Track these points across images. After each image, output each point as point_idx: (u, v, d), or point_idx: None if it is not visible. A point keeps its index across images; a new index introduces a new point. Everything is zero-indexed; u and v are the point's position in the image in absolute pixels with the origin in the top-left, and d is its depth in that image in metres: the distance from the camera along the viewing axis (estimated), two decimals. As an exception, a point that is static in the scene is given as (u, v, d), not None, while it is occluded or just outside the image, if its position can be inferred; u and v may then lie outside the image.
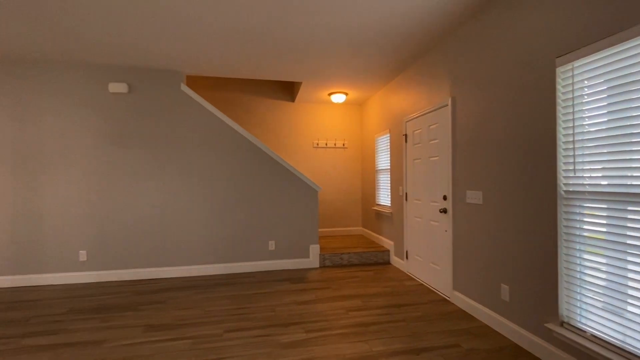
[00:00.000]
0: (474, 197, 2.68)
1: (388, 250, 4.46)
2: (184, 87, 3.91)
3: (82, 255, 3.69)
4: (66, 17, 2.62)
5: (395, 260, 4.29)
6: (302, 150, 5.56)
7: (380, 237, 4.85)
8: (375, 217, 5.06)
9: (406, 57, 3.55)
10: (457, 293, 2.94)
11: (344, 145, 5.72)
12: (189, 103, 3.93)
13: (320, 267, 4.26)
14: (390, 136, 4.46)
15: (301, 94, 4.98)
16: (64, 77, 3.66)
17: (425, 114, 3.47)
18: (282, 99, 5.44)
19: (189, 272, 3.93)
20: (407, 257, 3.93)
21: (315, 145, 5.60)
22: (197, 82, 5.11)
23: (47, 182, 3.63)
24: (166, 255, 3.89)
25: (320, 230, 5.64)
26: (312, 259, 4.24)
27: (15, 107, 3.57)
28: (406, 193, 3.92)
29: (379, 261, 4.44)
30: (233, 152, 4.04)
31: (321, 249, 4.56)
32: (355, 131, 5.79)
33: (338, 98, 4.96)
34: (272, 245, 4.15)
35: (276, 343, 2.28)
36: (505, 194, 2.35)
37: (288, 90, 5.48)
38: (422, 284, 3.53)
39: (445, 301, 3.04)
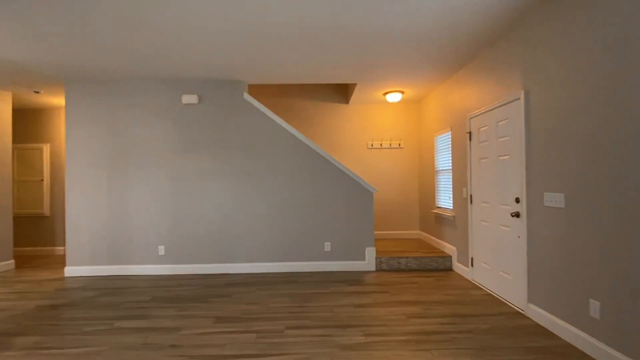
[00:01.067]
0: (554, 199, 2.39)
1: (450, 256, 4.20)
2: (247, 96, 4.16)
3: (161, 250, 4.14)
4: (148, 45, 2.98)
5: (458, 266, 4.03)
6: (356, 152, 5.53)
7: (441, 241, 4.60)
8: (435, 221, 4.82)
9: (470, 49, 3.32)
10: (532, 306, 2.66)
11: (399, 145, 5.55)
12: (251, 110, 4.18)
13: (376, 270, 4.18)
14: (451, 134, 4.21)
15: (355, 95, 4.97)
16: (146, 92, 4.15)
17: (492, 109, 3.20)
18: (336, 102, 5.48)
19: (252, 269, 4.16)
20: (472, 264, 3.67)
21: (370, 146, 5.53)
22: (258, 91, 5.40)
23: (132, 184, 4.14)
24: (231, 252, 4.17)
25: (375, 232, 5.55)
26: (368, 262, 4.18)
27: (109, 120, 4.15)
28: (471, 195, 3.66)
29: (439, 267, 4.21)
30: (291, 156, 4.18)
31: (377, 252, 4.48)
32: (411, 130, 5.58)
33: (394, 97, 4.84)
34: (327, 246, 4.19)
35: (335, 344, 2.30)
36: (593, 196, 2.06)
37: (342, 92, 5.51)
38: (490, 294, 3.26)
39: (518, 314, 2.77)
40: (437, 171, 4.79)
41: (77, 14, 2.51)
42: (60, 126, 5.51)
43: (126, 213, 4.14)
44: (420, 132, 5.47)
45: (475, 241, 3.60)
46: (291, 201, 4.18)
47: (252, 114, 4.18)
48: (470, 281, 3.68)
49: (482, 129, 3.42)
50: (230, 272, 4.16)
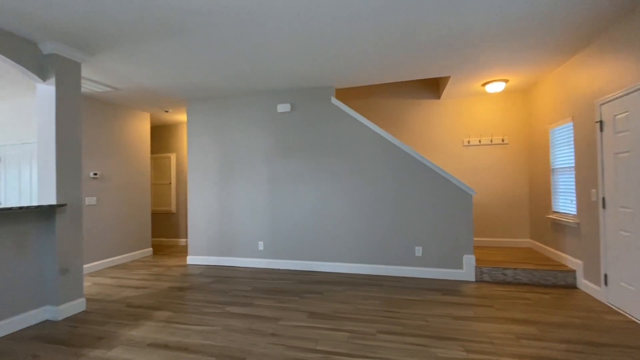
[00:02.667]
0: None
1: (573, 271, 3.52)
2: (334, 100, 4.28)
3: (261, 245, 4.57)
4: (250, 63, 3.33)
5: (585, 284, 3.35)
6: (449, 150, 5.12)
7: (560, 253, 3.89)
8: (552, 228, 4.10)
9: (600, 20, 2.73)
10: None
11: (503, 140, 4.92)
12: (338, 114, 4.28)
13: (476, 281, 3.78)
14: (573, 125, 3.53)
15: (448, 89, 4.61)
16: (247, 105, 4.65)
17: (633, 91, 2.56)
18: (425, 98, 5.18)
19: (340, 269, 4.24)
20: (605, 283, 2.99)
21: (466, 143, 5.04)
22: (343, 93, 5.50)
23: (236, 186, 4.69)
24: (319, 251, 4.33)
25: (474, 239, 5.03)
26: (466, 271, 3.81)
27: (219, 131, 4.79)
28: (603, 198, 3.00)
29: (558, 283, 3.56)
30: (379, 157, 4.13)
31: (477, 260, 4.04)
32: (517, 123, 4.88)
33: (495, 87, 4.31)
34: (419, 251, 3.98)
35: (432, 355, 2.15)
36: None
37: (432, 87, 5.17)
38: (634, 321, 2.59)
39: (683, 353, 2.13)
40: (553, 170, 4.07)
41: (198, 47, 2.98)
42: (183, 138, 6.61)
43: (232, 211, 4.70)
44: (530, 125, 4.74)
45: (610, 255, 2.93)
46: (379, 203, 4.12)
47: (340, 117, 4.27)
48: (603, 303, 3.00)
49: (619, 116, 2.77)
50: (318, 270, 4.32)
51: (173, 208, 6.59)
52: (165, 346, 2.35)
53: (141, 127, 5.48)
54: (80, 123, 3.13)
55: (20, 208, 2.57)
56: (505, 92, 4.85)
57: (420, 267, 3.98)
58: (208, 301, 3.25)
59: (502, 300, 3.15)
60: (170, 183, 6.63)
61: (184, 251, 5.86)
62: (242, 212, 4.66)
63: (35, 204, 3.42)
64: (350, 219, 4.22)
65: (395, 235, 4.07)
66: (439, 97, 5.11)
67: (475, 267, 3.80)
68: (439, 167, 3.94)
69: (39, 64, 2.92)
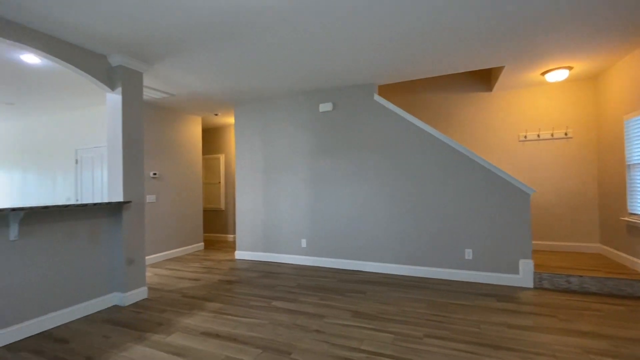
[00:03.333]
0: None
1: (655, 281, 3.08)
2: (377, 97, 4.20)
3: (303, 242, 4.65)
4: (295, 63, 3.40)
5: (671, 297, 2.91)
6: (503, 146, 4.76)
7: (638, 260, 3.42)
8: (628, 232, 3.62)
9: (692, -7, 2.35)
10: None
11: (566, 134, 4.45)
12: (381, 111, 4.20)
13: (534, 288, 3.48)
14: (655, 115, 3.08)
15: (502, 80, 4.28)
16: (290, 105, 4.75)
17: None
18: (475, 91, 4.87)
19: (383, 269, 4.15)
20: (700, 297, 2.57)
21: (523, 138, 4.65)
22: (385, 92, 5.37)
23: (281, 184, 4.81)
24: (361, 251, 4.29)
25: (533, 242, 4.63)
26: (523, 277, 3.52)
27: (263, 132, 4.96)
28: (696, 198, 2.58)
29: (636, 294, 3.14)
30: (425, 154, 3.97)
31: (536, 266, 3.71)
32: (583, 115, 4.39)
33: (557, 76, 3.92)
34: (468, 254, 3.76)
35: (485, 365, 2.02)
36: None
37: (482, 79, 4.85)
38: None
39: None
40: (629, 165, 3.60)
41: (247, 52, 3.11)
42: (230, 140, 6.96)
43: (276, 210, 4.84)
44: (599, 116, 4.24)
45: None
46: (425, 202, 3.96)
47: (383, 114, 4.19)
48: (696, 321, 2.59)
49: None
50: (360, 269, 4.27)
51: (222, 206, 6.96)
52: (217, 335, 2.49)
53: (194, 130, 5.86)
54: (142, 128, 3.44)
55: (94, 204, 2.89)
56: (568, 80, 4.39)
57: (470, 271, 3.76)
58: (255, 295, 3.39)
59: (567, 310, 2.85)
60: (219, 182, 7.01)
61: (232, 246, 6.16)
62: (285, 211, 4.78)
63: (105, 201, 3.82)
64: (395, 218, 4.12)
65: (442, 236, 3.89)
66: (490, 89, 4.78)
67: (534, 272, 3.49)
68: (491, 164, 3.68)
69: (108, 75, 3.25)
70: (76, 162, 5.36)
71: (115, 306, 3.17)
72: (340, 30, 2.84)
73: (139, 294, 3.32)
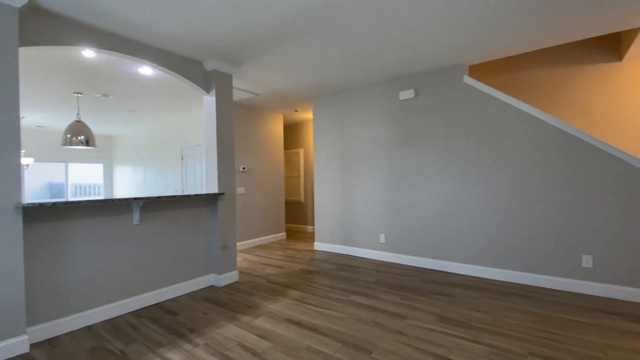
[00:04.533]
0: None
1: None
2: (467, 79, 3.76)
3: (382, 238, 4.50)
4: (375, 56, 3.25)
5: None
6: (637, 129, 3.77)
7: None
8: None
9: None
10: None
11: None
12: (472, 94, 3.74)
13: (689, 310, 2.68)
14: None
15: (636, 46, 3.38)
16: (368, 95, 4.61)
17: None
18: (595, 62, 3.96)
19: (474, 272, 3.74)
20: None
21: (670, 118, 3.61)
22: (475, 73, 4.78)
23: (358, 177, 4.74)
24: (449, 250, 3.93)
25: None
26: (671, 295, 2.75)
27: (340, 124, 4.94)
28: None
29: None
30: (527, 141, 3.41)
31: (690, 281, 2.87)
32: None
33: None
34: (587, 261, 3.10)
35: (617, 402, 1.62)
36: None
37: (607, 46, 3.90)
38: None
39: None
40: None
41: (329, 45, 3.11)
42: (309, 134, 7.16)
43: (354, 203, 4.80)
44: None
45: None
46: (527, 198, 3.41)
47: (474, 97, 3.73)
48: None
49: None
50: (446, 270, 3.93)
51: (302, 198, 7.25)
52: (299, 324, 2.57)
53: (276, 127, 6.20)
54: (232, 126, 3.75)
55: (195, 195, 3.27)
56: None
57: (588, 282, 3.11)
58: (334, 287, 3.41)
59: None
60: (299, 176, 7.31)
61: (311, 237, 6.37)
62: (363, 204, 4.69)
63: (204, 192, 4.31)
64: (488, 215, 3.66)
65: (551, 237, 3.30)
66: (620, 57, 3.83)
67: (688, 291, 2.69)
68: (622, 151, 2.95)
69: (204, 79, 3.62)
70: (182, 158, 6.20)
71: (212, 286, 3.56)
72: (426, 2, 2.59)
73: (231, 276, 3.67)
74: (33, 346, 2.32)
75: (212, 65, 3.55)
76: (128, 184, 8.21)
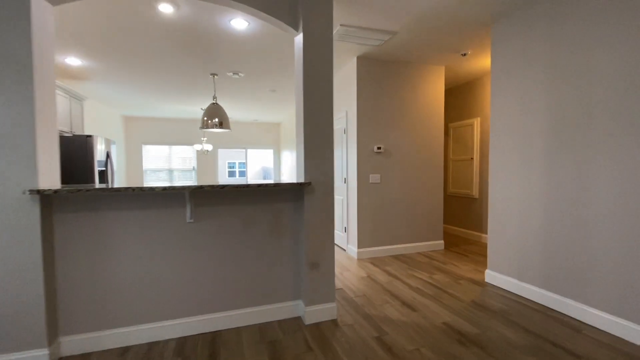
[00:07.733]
0: None
1: None
2: None
3: (657, 299, 1.93)
4: None
5: None
6: None
7: None
8: None
9: None
10: None
11: None
12: None
13: None
14: None
15: None
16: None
17: None
18: None
19: None
20: None
21: None
22: None
23: (588, 164, 2.26)
24: None
25: None
26: None
27: (550, 61, 2.53)
28: None
29: None
30: None
31: None
32: None
33: None
34: None
35: None
36: None
37: None
38: None
39: None
40: None
41: None
42: (487, 96, 4.72)
43: (576, 211, 2.37)
44: None
45: None
46: None
47: None
48: None
49: None
50: None
51: (474, 192, 4.96)
52: None
53: (433, 87, 4.28)
54: (330, 77, 2.37)
55: (275, 185, 2.17)
56: None
57: None
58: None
59: None
60: (471, 159, 5.02)
61: (485, 252, 4.15)
62: (603, 216, 2.21)
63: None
64: None
65: None
66: None
67: None
68: None
69: (291, 11, 2.40)
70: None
71: (299, 319, 2.41)
72: None
73: (323, 312, 2.39)
74: (58, 364, 1.90)
75: (298, -15, 2.28)
76: (288, 171, 8.44)
